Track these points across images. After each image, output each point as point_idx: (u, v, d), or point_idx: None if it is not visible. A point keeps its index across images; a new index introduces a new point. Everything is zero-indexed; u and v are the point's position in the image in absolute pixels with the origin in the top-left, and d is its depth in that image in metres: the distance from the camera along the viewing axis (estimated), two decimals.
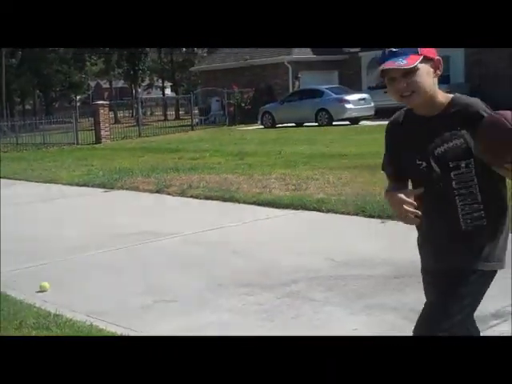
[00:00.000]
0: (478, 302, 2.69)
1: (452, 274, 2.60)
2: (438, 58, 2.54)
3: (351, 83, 32.28)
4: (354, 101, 26.92)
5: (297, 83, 32.78)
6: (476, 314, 4.30)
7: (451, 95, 2.59)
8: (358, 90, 30.61)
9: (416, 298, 4.71)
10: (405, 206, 2.52)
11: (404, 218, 2.56)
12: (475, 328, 2.89)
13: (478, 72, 29.94)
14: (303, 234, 7.18)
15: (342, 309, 4.67)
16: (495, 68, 29.32)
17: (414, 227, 2.73)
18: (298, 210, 8.37)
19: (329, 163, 12.97)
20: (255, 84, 33.51)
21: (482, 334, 3.99)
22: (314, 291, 5.08)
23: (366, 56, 33.87)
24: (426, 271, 2.80)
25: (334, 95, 27.07)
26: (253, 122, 29.78)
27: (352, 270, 5.58)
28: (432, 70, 2.52)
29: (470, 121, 2.47)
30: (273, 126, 28.23)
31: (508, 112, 2.38)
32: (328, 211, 8.08)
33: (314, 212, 8.16)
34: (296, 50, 32.91)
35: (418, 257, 5.67)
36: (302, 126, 27.61)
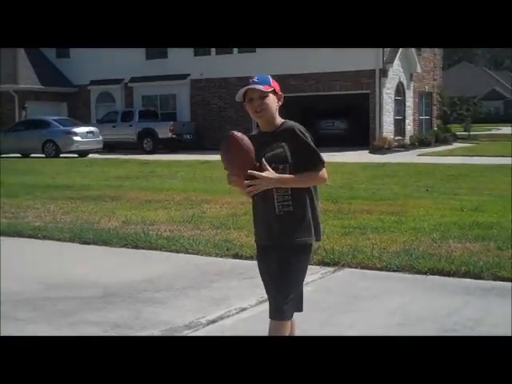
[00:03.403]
0: (304, 271, 3.58)
1: (276, 250, 3.51)
2: (280, 93, 3.58)
3: (80, 116, 32.27)
4: (82, 133, 26.93)
5: (24, 113, 31.88)
6: (170, 325, 4.78)
7: (284, 120, 3.58)
8: (87, 122, 30.68)
9: (118, 314, 5.10)
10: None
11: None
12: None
13: (201, 111, 31.68)
14: (16, 259, 7.19)
15: (47, 325, 4.85)
16: (217, 108, 31.25)
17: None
18: (13, 237, 8.35)
19: (53, 194, 12.93)
20: None
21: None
22: (20, 311, 5.20)
23: (95, 90, 34.17)
24: (259, 245, 3.68)
25: (62, 127, 26.85)
26: None
27: (62, 292, 5.77)
28: (276, 100, 3.55)
29: (289, 137, 3.48)
30: None
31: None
32: (44, 238, 8.19)
33: (31, 239, 8.22)
34: (23, 79, 32.13)
35: (122, 278, 6.04)
36: (29, 156, 26.93)
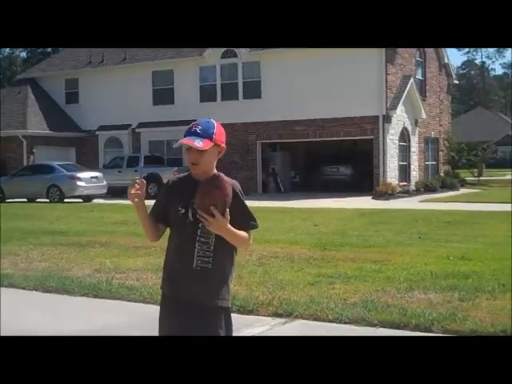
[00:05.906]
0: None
1: (187, 306, 3.30)
2: (223, 145, 3.40)
3: (88, 161, 32.59)
4: (86, 178, 27.15)
5: (31, 158, 32.26)
6: None
7: (217, 172, 3.35)
8: (96, 168, 30.94)
9: None
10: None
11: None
12: None
13: None
14: None
15: None
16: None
17: None
18: None
19: (44, 240, 12.96)
20: None
21: None
22: None
23: (103, 135, 34.55)
24: (166, 295, 3.45)
25: (66, 172, 27.10)
26: None
27: None
28: (217, 152, 3.38)
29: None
30: (2, 200, 27.39)
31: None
32: (9, 286, 8.20)
33: None
34: (32, 125, 32.59)
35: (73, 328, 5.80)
36: (34, 201, 27.17)
